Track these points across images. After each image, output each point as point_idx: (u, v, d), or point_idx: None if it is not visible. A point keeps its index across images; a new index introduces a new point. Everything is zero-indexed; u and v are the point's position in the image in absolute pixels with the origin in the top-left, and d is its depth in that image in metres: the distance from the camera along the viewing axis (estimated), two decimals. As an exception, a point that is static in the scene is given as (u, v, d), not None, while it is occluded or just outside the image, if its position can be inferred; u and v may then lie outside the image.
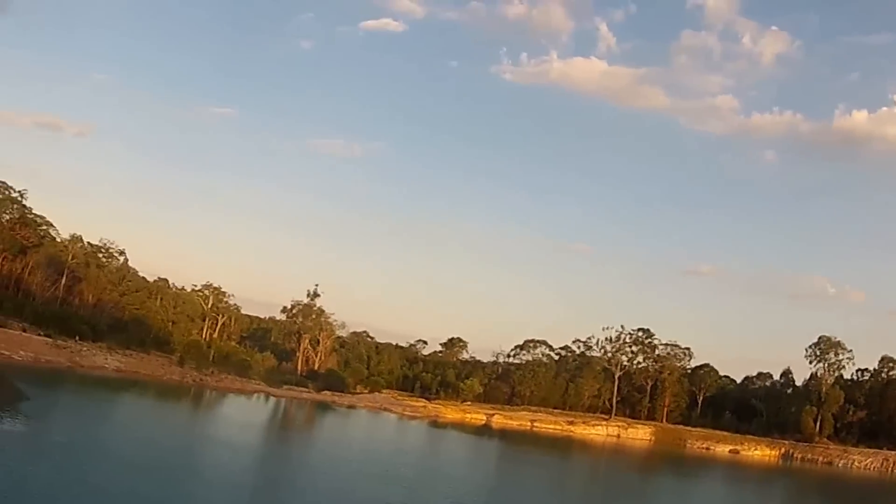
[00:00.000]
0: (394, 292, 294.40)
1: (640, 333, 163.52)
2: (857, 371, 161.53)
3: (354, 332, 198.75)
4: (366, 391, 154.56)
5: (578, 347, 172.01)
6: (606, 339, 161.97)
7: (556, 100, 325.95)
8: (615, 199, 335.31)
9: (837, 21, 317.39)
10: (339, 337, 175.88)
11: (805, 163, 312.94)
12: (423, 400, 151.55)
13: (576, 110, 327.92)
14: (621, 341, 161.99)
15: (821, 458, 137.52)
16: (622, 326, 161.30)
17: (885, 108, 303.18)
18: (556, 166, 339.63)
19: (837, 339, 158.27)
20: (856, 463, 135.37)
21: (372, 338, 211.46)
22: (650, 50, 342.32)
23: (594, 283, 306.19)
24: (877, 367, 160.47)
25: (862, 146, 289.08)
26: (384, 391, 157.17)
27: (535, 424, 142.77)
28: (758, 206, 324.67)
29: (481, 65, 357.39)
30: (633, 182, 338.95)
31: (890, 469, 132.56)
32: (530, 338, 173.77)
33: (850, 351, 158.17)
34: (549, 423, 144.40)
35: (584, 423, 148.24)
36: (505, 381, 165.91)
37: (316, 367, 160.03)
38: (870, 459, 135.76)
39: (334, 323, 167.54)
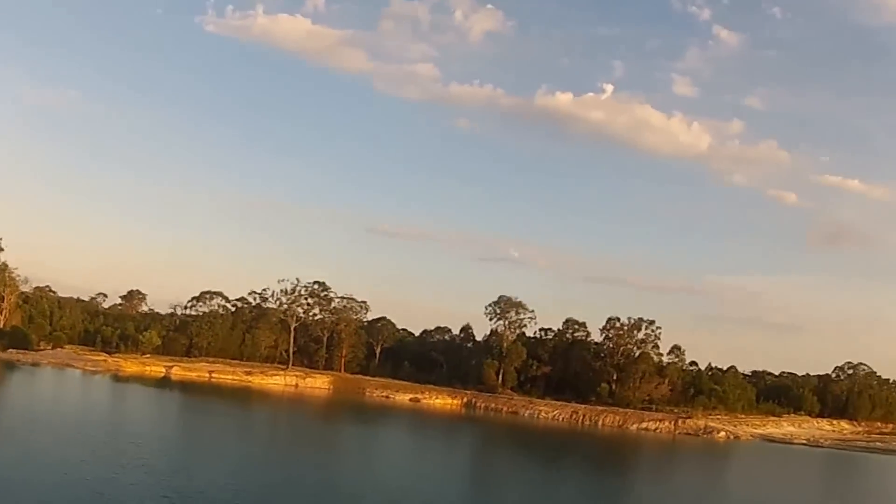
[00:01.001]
0: (75, 245, 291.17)
1: (316, 286, 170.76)
2: (540, 330, 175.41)
3: (38, 287, 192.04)
4: (49, 347, 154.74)
5: (255, 299, 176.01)
6: (282, 291, 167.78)
7: (258, 55, 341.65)
8: (306, 154, 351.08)
9: (559, 8, 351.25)
10: (22, 293, 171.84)
11: (503, 134, 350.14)
12: (104, 354, 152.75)
13: (276, 67, 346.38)
14: (297, 294, 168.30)
15: (505, 408, 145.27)
16: (297, 279, 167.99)
17: (591, 94, 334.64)
18: (246, 120, 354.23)
19: (518, 300, 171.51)
20: (542, 413, 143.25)
21: (54, 292, 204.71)
22: (358, 13, 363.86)
23: (278, 236, 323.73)
24: (561, 328, 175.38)
25: (565, 125, 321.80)
26: (67, 347, 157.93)
27: (214, 375, 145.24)
28: (451, 170, 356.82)
29: (187, 13, 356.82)
30: (326, 139, 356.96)
31: (580, 420, 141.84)
32: (207, 289, 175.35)
33: (532, 311, 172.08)
34: (228, 374, 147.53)
35: (261, 373, 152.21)
36: (183, 333, 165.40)
37: (1, 325, 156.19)
38: (558, 411, 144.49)
39: (17, 278, 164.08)
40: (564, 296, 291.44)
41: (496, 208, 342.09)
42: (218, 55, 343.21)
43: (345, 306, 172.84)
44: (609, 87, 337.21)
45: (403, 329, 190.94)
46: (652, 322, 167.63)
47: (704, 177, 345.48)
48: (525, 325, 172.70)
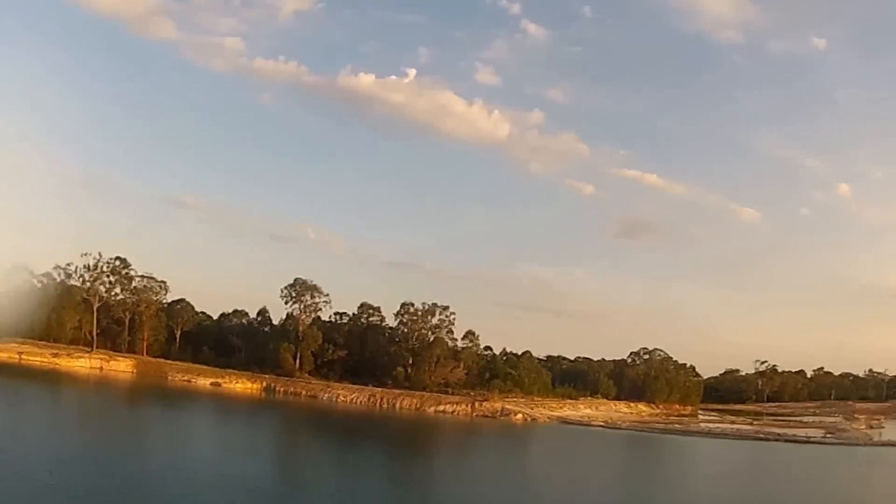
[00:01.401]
0: None
1: (118, 262, 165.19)
2: (336, 314, 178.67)
3: None
4: None
5: (59, 275, 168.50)
6: (84, 267, 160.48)
7: (75, 20, 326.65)
8: (110, 121, 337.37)
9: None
10: None
11: (305, 112, 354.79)
12: None
13: (92, 32, 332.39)
14: (98, 270, 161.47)
15: (304, 392, 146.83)
16: (99, 254, 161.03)
17: (394, 77, 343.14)
18: (52, 85, 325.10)
19: (313, 283, 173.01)
20: (341, 397, 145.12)
21: None
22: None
23: (77, 207, 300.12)
24: (356, 312, 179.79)
25: (366, 106, 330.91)
26: None
27: (24, 357, 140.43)
28: (251, 144, 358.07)
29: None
30: (128, 105, 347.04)
31: (377, 403, 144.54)
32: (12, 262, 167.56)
33: (327, 295, 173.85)
34: (36, 356, 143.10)
35: (68, 355, 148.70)
36: None
37: None
38: (356, 394, 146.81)
39: None
40: (362, 280, 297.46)
41: (294, 187, 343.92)
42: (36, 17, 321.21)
43: (145, 286, 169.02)
44: (412, 72, 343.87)
45: (202, 312, 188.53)
46: (446, 308, 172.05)
47: (503, 164, 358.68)
48: (320, 309, 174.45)
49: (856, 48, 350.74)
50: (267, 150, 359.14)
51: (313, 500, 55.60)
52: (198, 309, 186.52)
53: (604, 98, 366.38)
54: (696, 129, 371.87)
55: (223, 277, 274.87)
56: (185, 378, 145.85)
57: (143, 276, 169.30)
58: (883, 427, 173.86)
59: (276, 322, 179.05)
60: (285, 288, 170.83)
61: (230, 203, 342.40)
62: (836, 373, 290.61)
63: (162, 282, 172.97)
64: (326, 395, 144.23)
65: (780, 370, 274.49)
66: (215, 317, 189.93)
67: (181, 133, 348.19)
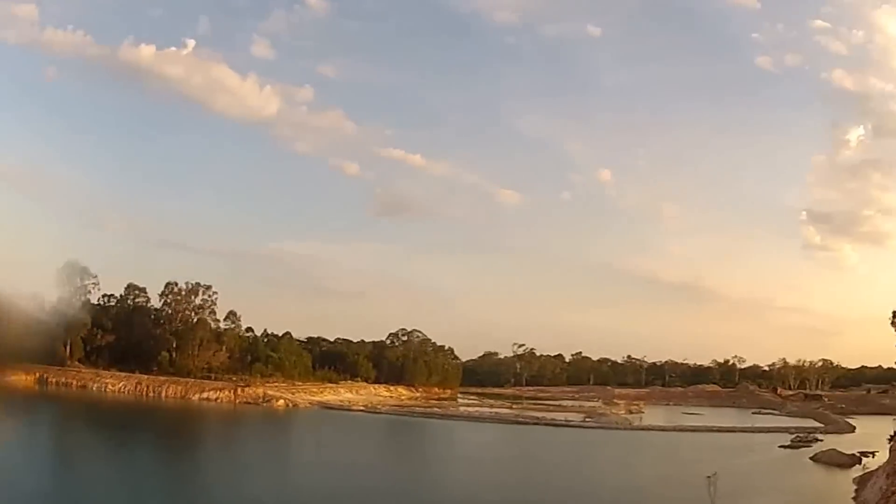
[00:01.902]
0: None
1: None
2: (104, 296, 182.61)
3: None
4: None
5: None
6: None
7: None
8: None
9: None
10: None
11: (90, 83, 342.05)
12: None
13: None
14: None
15: (75, 382, 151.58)
16: None
17: (174, 49, 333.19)
18: None
19: (83, 265, 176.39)
20: (109, 386, 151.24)
21: None
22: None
23: None
24: (123, 294, 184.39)
25: (147, 80, 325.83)
26: None
27: None
28: (39, 121, 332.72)
29: None
30: None
31: (144, 391, 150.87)
32: None
33: (96, 276, 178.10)
34: None
35: None
36: None
37: None
38: (123, 382, 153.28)
39: None
40: (129, 260, 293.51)
41: (73, 164, 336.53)
42: None
43: None
44: (191, 43, 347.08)
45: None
46: (209, 287, 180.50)
47: (271, 141, 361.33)
48: (90, 292, 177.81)
49: (627, 38, 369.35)
50: (52, 128, 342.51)
51: (82, 499, 55.89)
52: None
53: (374, 75, 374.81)
54: (464, 110, 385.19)
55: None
56: None
57: None
58: (643, 412, 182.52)
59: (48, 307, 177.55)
60: (59, 270, 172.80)
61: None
62: (595, 358, 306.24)
63: None
64: (96, 385, 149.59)
65: (538, 354, 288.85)
66: None
67: None
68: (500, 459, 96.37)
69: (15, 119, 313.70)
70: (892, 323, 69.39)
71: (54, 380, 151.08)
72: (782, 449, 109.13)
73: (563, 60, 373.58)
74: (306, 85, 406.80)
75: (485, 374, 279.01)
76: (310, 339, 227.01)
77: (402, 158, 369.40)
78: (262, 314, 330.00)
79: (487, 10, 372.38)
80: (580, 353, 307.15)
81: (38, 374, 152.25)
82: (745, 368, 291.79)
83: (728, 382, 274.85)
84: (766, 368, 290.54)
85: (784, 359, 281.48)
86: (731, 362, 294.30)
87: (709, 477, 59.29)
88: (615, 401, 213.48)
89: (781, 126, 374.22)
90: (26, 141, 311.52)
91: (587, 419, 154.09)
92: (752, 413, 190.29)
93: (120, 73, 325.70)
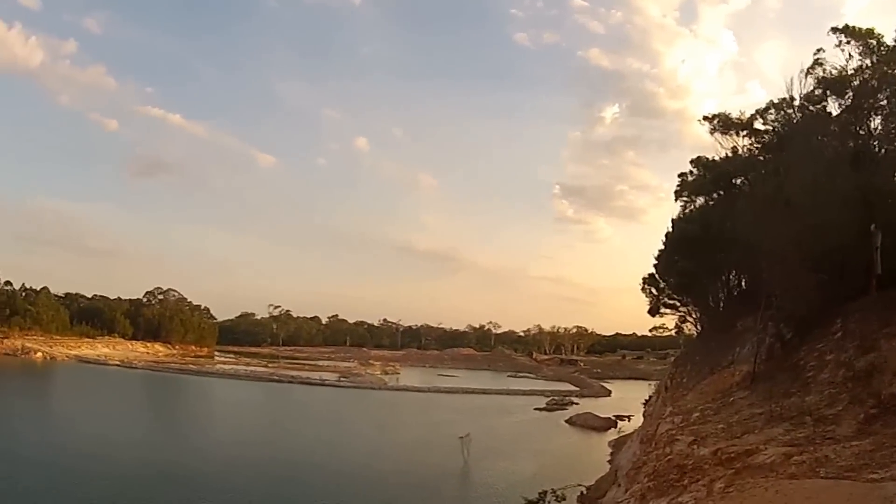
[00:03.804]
0: None
1: None
2: None
3: None
4: None
5: None
6: None
7: None
8: None
9: None
10: None
11: None
12: None
13: None
14: None
15: None
16: None
17: None
18: None
19: None
20: None
21: None
22: None
23: None
24: None
25: None
26: None
27: None
28: None
29: None
30: None
31: None
32: None
33: None
34: None
35: None
36: None
37: None
38: None
39: None
40: None
41: None
42: None
43: None
44: None
45: None
46: None
47: (34, 95, 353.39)
48: None
49: (387, 8, 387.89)
50: None
51: None
52: None
53: (137, 33, 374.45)
54: (225, 72, 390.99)
55: None
56: None
57: None
58: (398, 373, 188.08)
59: None
60: None
61: None
62: (352, 320, 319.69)
63: None
64: None
65: (294, 315, 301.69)
66: None
67: None
68: (250, 417, 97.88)
69: None
70: (642, 289, 71.42)
71: None
72: (538, 411, 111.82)
73: (323, 27, 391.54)
74: (71, 38, 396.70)
75: (241, 333, 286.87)
76: (67, 294, 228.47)
77: (161, 117, 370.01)
78: (20, 269, 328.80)
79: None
80: (336, 315, 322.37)
81: None
82: (500, 333, 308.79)
83: (484, 347, 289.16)
84: (522, 334, 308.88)
85: (539, 325, 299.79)
86: (486, 327, 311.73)
87: (461, 437, 63.30)
88: (371, 362, 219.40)
89: (538, 102, 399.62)
90: None
91: (342, 379, 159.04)
92: (508, 376, 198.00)
93: None
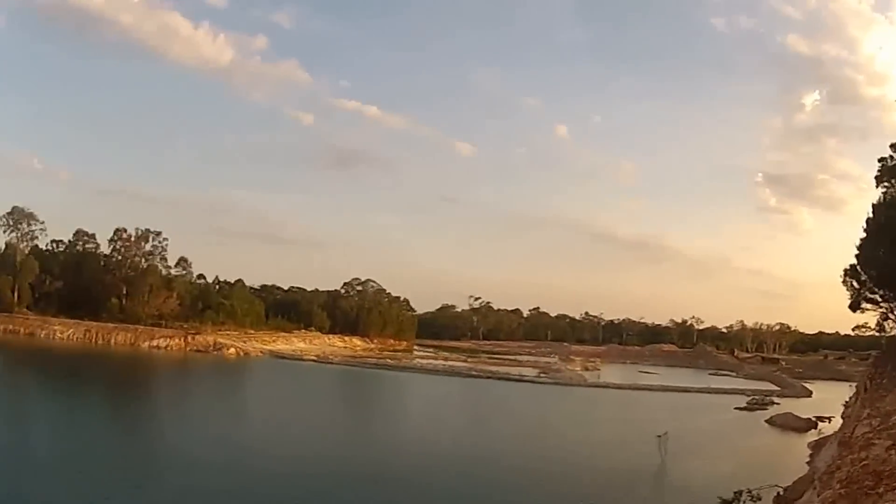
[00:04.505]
0: None
1: None
2: (52, 242, 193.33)
3: None
4: None
5: None
6: None
7: None
8: None
9: None
10: None
11: (36, 33, 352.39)
12: None
13: None
14: None
15: (23, 329, 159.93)
16: None
17: None
18: None
19: (30, 210, 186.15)
20: (58, 333, 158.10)
21: None
22: None
23: None
24: (72, 240, 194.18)
25: (97, 28, 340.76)
26: None
27: None
28: None
29: None
30: None
31: (93, 339, 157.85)
32: None
33: (43, 222, 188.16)
34: None
35: None
36: None
37: None
38: (72, 330, 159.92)
39: None
40: (82, 209, 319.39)
41: (20, 116, 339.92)
42: None
43: None
44: None
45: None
46: (159, 233, 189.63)
47: (225, 91, 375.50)
48: (37, 238, 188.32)
49: None
50: None
51: (34, 452, 54.89)
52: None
53: (328, 26, 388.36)
54: (419, 63, 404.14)
55: None
56: None
57: None
58: (599, 369, 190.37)
59: None
60: (3, 216, 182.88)
61: None
62: (553, 314, 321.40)
63: None
64: (44, 332, 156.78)
65: (495, 308, 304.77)
66: None
67: None
68: (452, 414, 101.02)
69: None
70: (843, 282, 69.58)
71: (2, 327, 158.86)
72: (738, 411, 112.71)
73: (516, 15, 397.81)
74: (260, 34, 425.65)
75: (441, 326, 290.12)
76: (263, 286, 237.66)
77: (357, 110, 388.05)
78: (216, 262, 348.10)
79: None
80: (538, 308, 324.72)
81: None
82: (703, 329, 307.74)
83: (686, 342, 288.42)
84: (724, 330, 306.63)
85: (742, 321, 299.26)
86: (689, 323, 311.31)
87: (659, 436, 63.41)
88: (571, 357, 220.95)
89: (737, 88, 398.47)
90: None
91: (542, 374, 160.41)
92: (709, 374, 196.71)
93: (69, 20, 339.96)
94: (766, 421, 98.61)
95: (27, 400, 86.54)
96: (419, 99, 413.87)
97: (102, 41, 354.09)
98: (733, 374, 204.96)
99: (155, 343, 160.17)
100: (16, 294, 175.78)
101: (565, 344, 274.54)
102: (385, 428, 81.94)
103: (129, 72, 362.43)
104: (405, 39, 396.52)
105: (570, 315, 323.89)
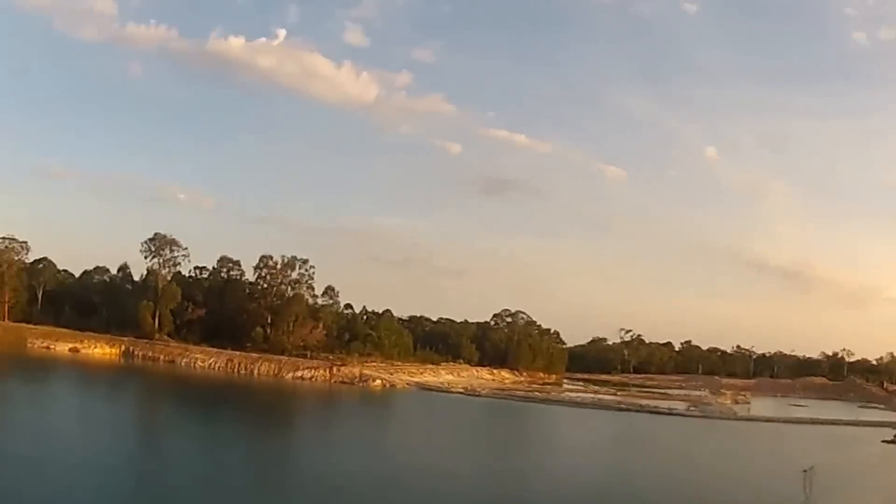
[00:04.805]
0: None
1: None
2: (196, 268, 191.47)
3: None
4: None
5: None
6: None
7: None
8: None
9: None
10: None
11: (175, 76, 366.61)
12: None
13: None
14: None
15: (163, 357, 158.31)
16: None
17: (263, 39, 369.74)
18: None
19: (172, 237, 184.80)
20: (199, 362, 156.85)
21: None
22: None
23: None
24: (216, 266, 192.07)
25: (237, 71, 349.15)
26: None
27: None
28: (123, 113, 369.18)
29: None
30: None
31: (235, 368, 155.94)
32: None
33: (186, 248, 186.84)
34: None
35: None
36: None
37: None
38: (213, 359, 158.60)
39: None
40: (227, 237, 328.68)
41: (165, 152, 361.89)
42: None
43: (6, 247, 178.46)
44: (282, 33, 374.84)
45: (64, 270, 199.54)
46: (306, 261, 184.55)
47: (371, 126, 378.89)
48: (179, 264, 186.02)
49: (721, 14, 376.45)
50: (138, 119, 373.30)
51: (175, 477, 56.01)
52: (60, 267, 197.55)
53: (470, 58, 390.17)
54: (563, 89, 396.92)
55: (89, 241, 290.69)
56: (45, 344, 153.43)
57: (3, 238, 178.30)
58: (749, 403, 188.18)
59: (137, 279, 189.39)
60: (145, 242, 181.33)
61: (101, 171, 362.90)
62: (704, 347, 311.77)
63: (23, 242, 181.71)
64: (184, 361, 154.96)
65: (646, 341, 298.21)
66: (77, 275, 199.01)
67: (53, 105, 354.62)
68: (601, 446, 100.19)
69: (100, 116, 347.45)
70: None
71: (140, 353, 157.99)
72: (885, 444, 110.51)
73: (658, 38, 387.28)
74: (403, 70, 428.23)
75: (592, 360, 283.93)
76: (412, 318, 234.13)
77: (506, 138, 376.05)
78: (362, 291, 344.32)
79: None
80: (689, 341, 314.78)
81: (123, 347, 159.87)
82: (853, 362, 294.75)
83: (836, 375, 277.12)
84: (875, 363, 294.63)
85: (892, 353, 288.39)
86: (839, 355, 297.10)
87: (805, 471, 59.77)
88: (722, 391, 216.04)
89: (881, 104, 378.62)
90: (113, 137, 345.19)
91: (691, 408, 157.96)
92: (858, 407, 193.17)
93: (208, 65, 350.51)
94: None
95: (167, 427, 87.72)
96: (564, 126, 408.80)
97: (243, 82, 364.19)
98: (882, 406, 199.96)
99: (299, 374, 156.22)
100: (157, 320, 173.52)
101: (716, 377, 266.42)
102: (527, 460, 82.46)
103: (272, 108, 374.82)
104: (547, 67, 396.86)
105: (721, 348, 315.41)
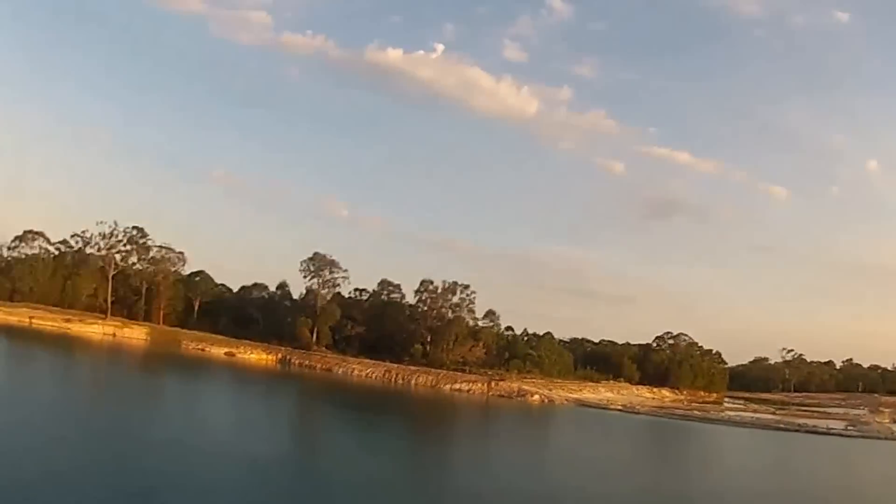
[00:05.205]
0: None
1: (135, 231, 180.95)
2: (356, 290, 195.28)
3: None
4: None
5: (77, 242, 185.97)
6: (101, 234, 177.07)
7: None
8: (141, 93, 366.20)
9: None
10: None
11: (332, 85, 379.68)
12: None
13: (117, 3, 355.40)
14: (115, 238, 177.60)
15: (319, 365, 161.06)
16: (115, 222, 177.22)
17: (422, 52, 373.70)
18: (73, 58, 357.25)
19: (332, 258, 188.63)
20: (356, 371, 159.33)
21: None
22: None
23: (100, 177, 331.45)
24: (376, 289, 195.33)
25: (395, 81, 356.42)
26: None
27: (34, 321, 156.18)
28: (277, 120, 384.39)
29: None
30: (158, 79, 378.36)
31: (393, 378, 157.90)
32: (29, 228, 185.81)
33: (346, 270, 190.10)
34: (48, 321, 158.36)
35: (80, 320, 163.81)
36: (6, 276, 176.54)
37: None
38: (371, 368, 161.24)
39: None
40: (390, 258, 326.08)
41: (325, 163, 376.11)
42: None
43: (163, 256, 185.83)
44: (440, 47, 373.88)
45: (222, 284, 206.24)
46: (467, 286, 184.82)
47: (532, 140, 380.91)
48: (339, 285, 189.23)
49: (879, 21, 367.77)
50: (296, 126, 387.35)
51: (329, 476, 56.12)
52: (218, 282, 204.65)
53: (630, 74, 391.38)
54: (721, 105, 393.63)
55: (247, 252, 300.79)
56: (199, 347, 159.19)
57: (161, 247, 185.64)
58: None
59: (295, 297, 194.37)
60: (304, 262, 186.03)
61: (259, 178, 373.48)
62: (866, 365, 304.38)
63: (180, 253, 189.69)
64: (341, 369, 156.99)
65: (807, 360, 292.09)
66: (235, 290, 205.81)
67: (210, 108, 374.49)
68: (755, 465, 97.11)
69: (257, 120, 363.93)
70: None
71: (297, 361, 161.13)
72: None
73: (813, 50, 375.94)
74: (564, 85, 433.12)
75: (752, 379, 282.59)
76: (573, 339, 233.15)
77: (668, 157, 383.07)
78: (524, 315, 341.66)
79: (733, 4, 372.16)
80: (850, 359, 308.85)
81: (280, 355, 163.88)
82: None
83: None
84: None
85: None
86: None
87: None
88: (881, 409, 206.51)
89: None
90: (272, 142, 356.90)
91: (849, 427, 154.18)
92: None
93: (367, 74, 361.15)
94: None
95: (321, 427, 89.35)
96: (725, 141, 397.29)
97: (402, 93, 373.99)
98: None
99: (457, 386, 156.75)
100: (314, 335, 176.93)
101: (875, 395, 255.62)
102: (689, 482, 79.09)
103: (434, 119, 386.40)
104: (703, 82, 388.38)
105: (882, 366, 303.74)
